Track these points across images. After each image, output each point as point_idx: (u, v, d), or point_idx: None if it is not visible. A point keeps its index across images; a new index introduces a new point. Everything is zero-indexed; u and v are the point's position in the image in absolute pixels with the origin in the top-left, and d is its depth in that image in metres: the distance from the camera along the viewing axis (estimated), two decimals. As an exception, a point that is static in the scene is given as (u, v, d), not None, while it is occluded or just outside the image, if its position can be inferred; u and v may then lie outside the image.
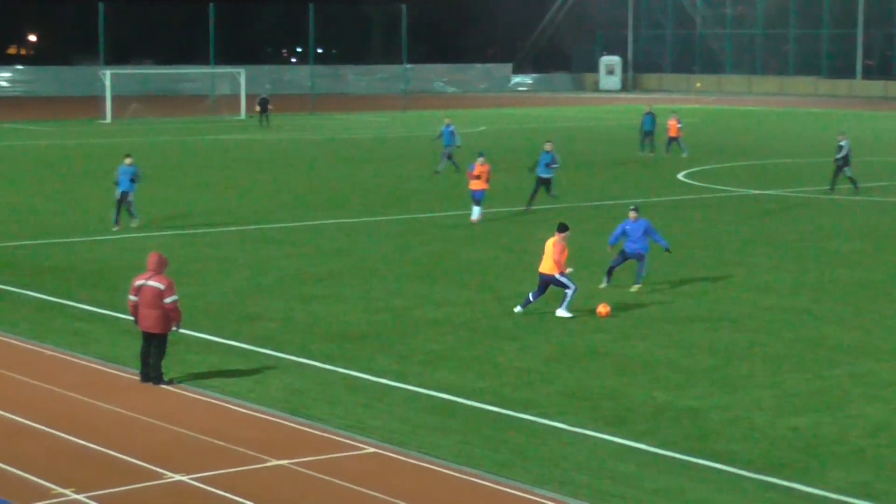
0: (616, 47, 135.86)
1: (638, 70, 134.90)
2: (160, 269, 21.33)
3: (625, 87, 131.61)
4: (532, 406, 20.01)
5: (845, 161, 46.85)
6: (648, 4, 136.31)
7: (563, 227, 26.51)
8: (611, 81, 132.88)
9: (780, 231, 38.16)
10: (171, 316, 21.25)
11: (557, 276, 26.01)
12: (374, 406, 20.08)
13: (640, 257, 28.75)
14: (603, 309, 25.96)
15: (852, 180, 47.17)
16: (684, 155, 59.89)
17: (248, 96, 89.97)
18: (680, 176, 52.99)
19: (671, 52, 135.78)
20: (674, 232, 37.19)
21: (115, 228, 37.08)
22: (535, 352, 23.47)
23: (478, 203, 38.83)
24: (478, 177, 38.82)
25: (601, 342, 24.17)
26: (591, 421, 19.24)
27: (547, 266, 26.11)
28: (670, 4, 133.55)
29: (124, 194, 37.29)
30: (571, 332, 24.99)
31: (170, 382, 21.32)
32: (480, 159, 39.34)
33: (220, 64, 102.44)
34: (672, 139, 61.19)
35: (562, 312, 25.96)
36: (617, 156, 61.62)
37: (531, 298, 26.34)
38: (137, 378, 21.49)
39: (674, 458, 17.60)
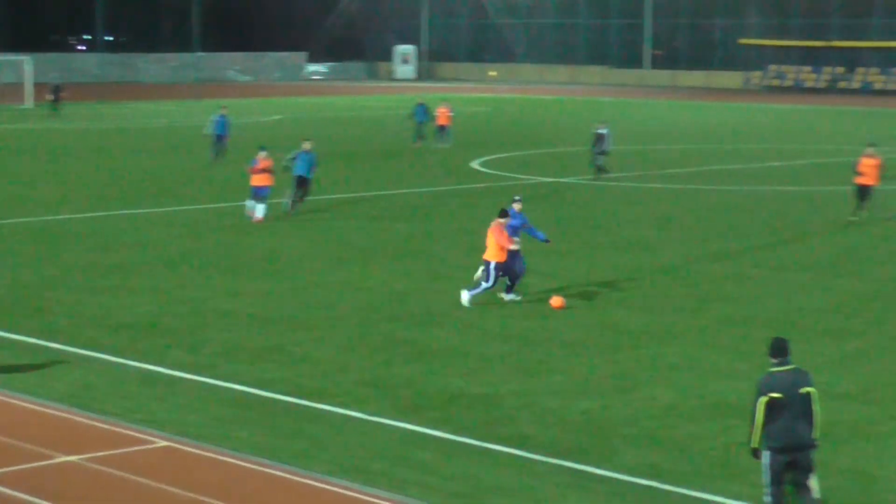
0: (411, 36, 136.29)
1: (432, 59, 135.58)
2: None
3: (420, 76, 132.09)
4: (328, 396, 19.97)
5: (601, 149, 47.52)
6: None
7: (503, 213, 26.36)
8: (405, 70, 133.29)
9: (573, 218, 38.69)
10: None
11: (492, 264, 25.97)
12: (167, 399, 19.84)
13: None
14: (556, 302, 25.65)
15: (601, 168, 47.84)
16: (446, 146, 59.80)
17: (35, 84, 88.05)
18: (473, 164, 53.34)
19: (465, 42, 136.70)
20: (466, 220, 37.49)
21: None
22: (331, 341, 23.42)
23: (261, 200, 36.81)
24: (262, 171, 37.08)
25: (397, 330, 24.22)
26: (388, 409, 19.26)
27: (491, 254, 26.03)
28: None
29: None
30: (367, 321, 24.99)
31: None
32: (263, 153, 37.52)
33: (4, 51, 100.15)
34: (441, 127, 61.02)
35: (465, 298, 26.02)
36: (409, 146, 61.69)
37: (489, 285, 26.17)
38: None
39: (469, 444, 17.72)
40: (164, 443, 17.76)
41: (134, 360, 22.07)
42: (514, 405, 19.57)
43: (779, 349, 14.28)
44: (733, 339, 23.62)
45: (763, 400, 14.01)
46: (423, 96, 69.37)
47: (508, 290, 26.51)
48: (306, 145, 39.00)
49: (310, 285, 28.17)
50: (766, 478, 14.27)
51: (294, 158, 38.42)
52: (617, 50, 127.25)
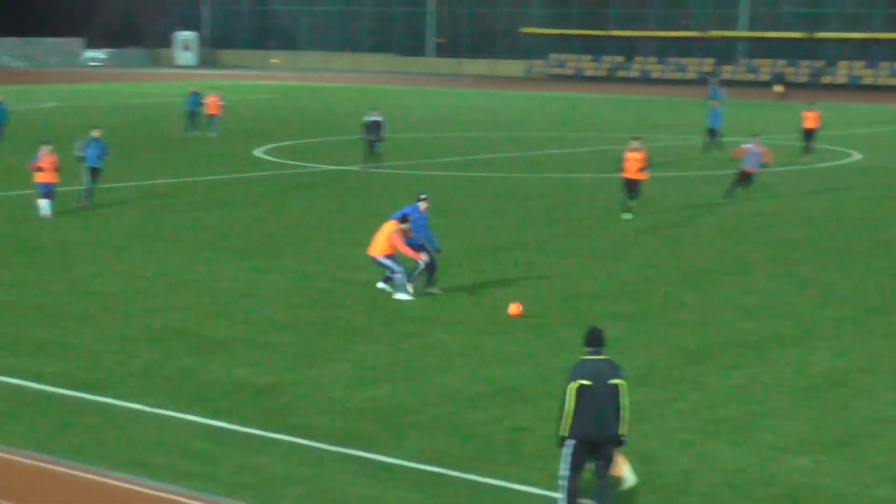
0: (192, 22, 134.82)
1: (214, 46, 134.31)
2: None
3: (201, 64, 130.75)
4: (107, 388, 19.63)
5: (378, 137, 47.59)
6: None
7: (404, 219, 25.94)
8: (186, 57, 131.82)
9: (356, 206, 38.70)
10: None
11: (380, 259, 25.86)
12: (-63, 394, 19.32)
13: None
14: (515, 309, 24.37)
15: (376, 156, 47.89)
16: (212, 135, 59.25)
17: None
18: (257, 152, 53.04)
19: (247, 28, 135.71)
20: (252, 208, 37.29)
21: None
22: (110, 333, 23.03)
23: (47, 196, 35.14)
24: (40, 169, 35.21)
25: (178, 321, 23.93)
26: (170, 401, 19.01)
27: (376, 249, 25.85)
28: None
29: None
30: (148, 310, 24.65)
31: None
32: (46, 148, 35.66)
33: None
34: (211, 116, 60.28)
35: (400, 295, 25.75)
36: (191, 133, 61.02)
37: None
38: None
39: (253, 435, 17.60)
40: (-67, 439, 17.30)
41: None
42: (298, 394, 19.48)
43: (593, 339, 14.37)
44: (516, 326, 23.86)
45: (573, 386, 14.03)
46: (196, 84, 68.70)
47: (386, 280, 26.35)
48: (95, 133, 37.96)
49: (91, 276, 27.68)
50: (564, 465, 14.38)
51: (85, 147, 37.41)
52: (400, 38, 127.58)
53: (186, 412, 18.54)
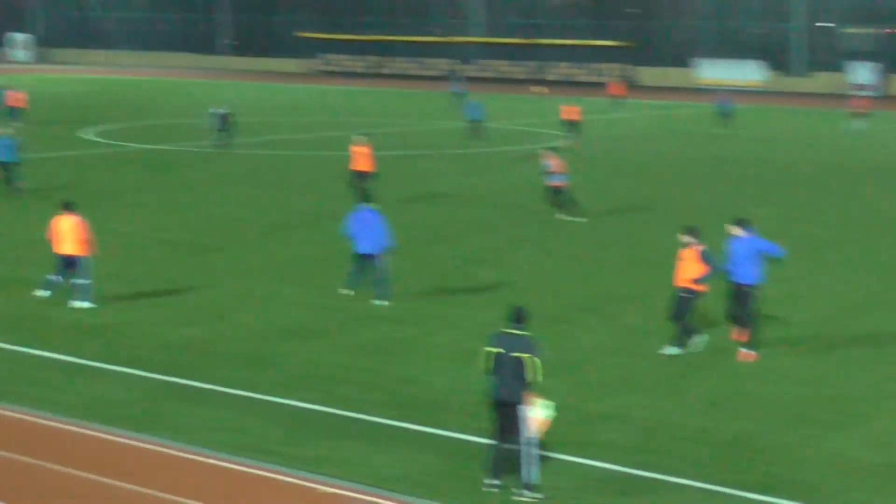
0: (26, 25, 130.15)
1: (43, 45, 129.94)
2: None
3: (33, 60, 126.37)
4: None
5: (224, 125, 46.33)
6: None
7: (68, 206, 21.23)
8: (22, 55, 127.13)
9: (168, 179, 38.18)
10: None
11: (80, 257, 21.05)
12: None
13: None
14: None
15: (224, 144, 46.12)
16: (20, 125, 51.78)
17: None
18: (84, 134, 51.69)
19: (72, 31, 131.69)
20: (86, 183, 36.48)
21: None
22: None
23: None
24: None
25: (25, 274, 23.33)
26: (21, 339, 18.68)
27: (70, 247, 20.87)
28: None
29: None
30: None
31: None
32: None
33: None
34: (13, 110, 54.80)
35: (80, 304, 20.94)
36: (35, 117, 59.01)
37: (54, 279, 21.15)
38: None
39: (90, 366, 17.52)
40: None
41: None
42: (129, 333, 19.32)
43: (515, 317, 13.25)
44: (310, 276, 23.84)
45: (488, 351, 13.13)
46: (8, 79, 65.64)
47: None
48: (5, 130, 34.77)
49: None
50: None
51: None
52: (197, 39, 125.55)
53: (36, 348, 18.25)
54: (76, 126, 54.48)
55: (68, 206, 21.13)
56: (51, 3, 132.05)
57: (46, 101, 68.04)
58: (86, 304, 20.73)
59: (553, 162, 31.39)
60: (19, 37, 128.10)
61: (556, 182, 31.26)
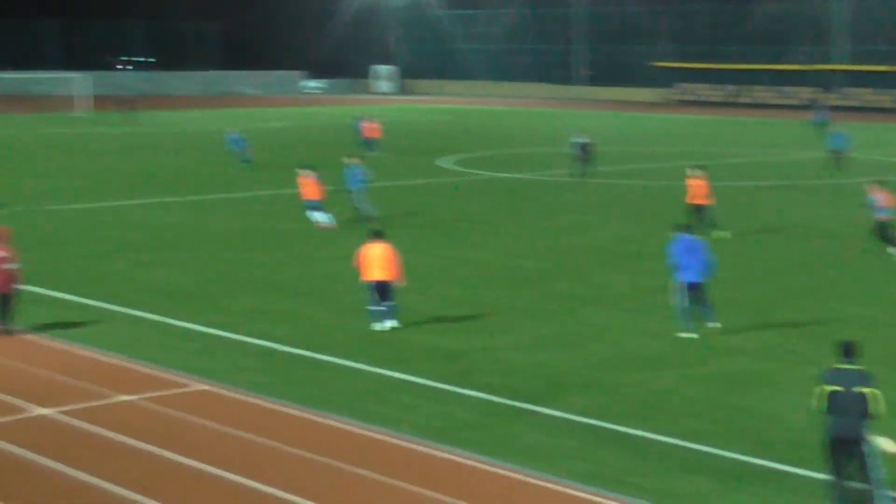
0: (390, 58, 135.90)
1: (406, 76, 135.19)
2: (3, 239, 20.97)
3: (397, 91, 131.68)
4: (335, 350, 20.00)
5: (586, 155, 45.76)
6: (414, 24, 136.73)
7: (377, 234, 21.83)
8: (386, 86, 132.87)
9: (523, 206, 38.72)
10: (13, 279, 20.81)
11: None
12: (204, 352, 19.88)
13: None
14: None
15: (586, 172, 45.65)
16: (377, 154, 54.63)
17: (90, 97, 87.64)
18: (442, 162, 53.25)
19: (433, 63, 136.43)
20: (442, 210, 37.54)
21: None
22: (334, 306, 23.43)
23: (317, 209, 33.18)
24: (310, 186, 33.25)
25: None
26: (381, 361, 19.31)
27: (384, 273, 21.31)
28: (431, 24, 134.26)
29: None
30: (357, 288, 24.96)
31: (15, 332, 20.75)
32: (307, 171, 33.62)
33: (64, 69, 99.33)
34: (371, 139, 56.94)
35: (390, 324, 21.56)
36: (388, 145, 61.37)
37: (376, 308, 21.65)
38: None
39: (446, 390, 17.80)
40: (203, 387, 17.81)
41: (177, 319, 22.09)
42: (482, 359, 19.64)
43: (846, 351, 12.94)
44: (655, 305, 23.63)
45: (824, 389, 12.71)
46: (363, 110, 68.46)
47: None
48: (352, 160, 35.41)
49: (313, 260, 28.21)
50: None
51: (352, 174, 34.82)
52: (555, 69, 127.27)
53: (391, 370, 18.84)
54: (435, 155, 56.20)
55: (378, 234, 21.76)
56: (414, 37, 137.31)
57: (407, 130, 70.76)
58: (392, 324, 21.31)
59: (881, 196, 29.80)
60: (383, 69, 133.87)
61: (883, 216, 29.62)
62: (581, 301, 24.17)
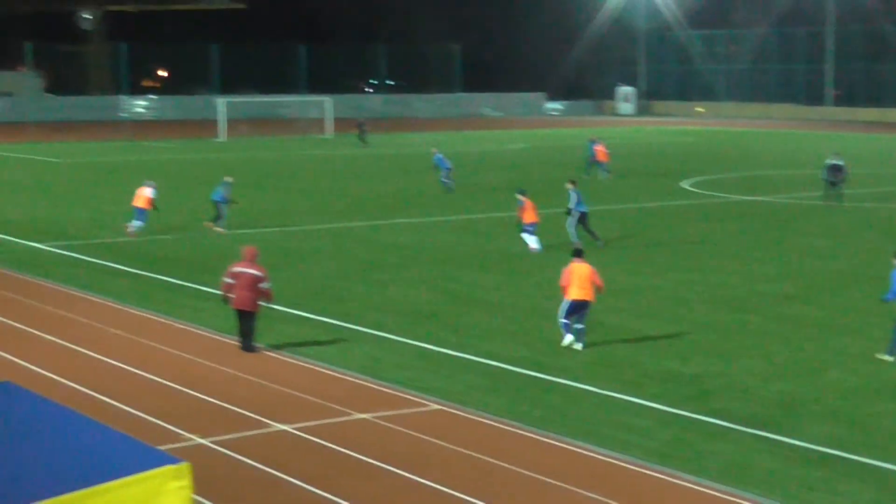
0: (630, 79, 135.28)
1: (648, 98, 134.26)
2: (253, 259, 21.50)
3: (637, 112, 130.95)
4: (566, 372, 19.97)
5: (838, 178, 44.47)
6: (656, 44, 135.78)
7: (577, 253, 22.51)
8: (626, 107, 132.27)
9: (765, 229, 37.89)
10: (265, 297, 21.38)
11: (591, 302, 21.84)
12: (438, 371, 20.10)
13: None
14: None
15: (837, 195, 44.44)
16: (606, 177, 54.68)
17: (334, 119, 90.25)
18: (683, 184, 52.65)
19: (675, 83, 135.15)
20: (680, 233, 37.09)
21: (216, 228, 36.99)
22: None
23: (531, 233, 33.15)
24: (527, 210, 33.29)
25: (623, 320, 24.03)
26: (614, 384, 19.18)
27: (585, 293, 21.63)
28: (674, 43, 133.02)
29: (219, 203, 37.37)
30: (595, 311, 24.85)
31: (258, 349, 21.37)
32: (523, 196, 33.61)
33: (309, 93, 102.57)
34: (598, 163, 56.05)
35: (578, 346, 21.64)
36: (628, 167, 61.02)
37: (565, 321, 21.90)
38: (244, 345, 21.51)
39: (681, 415, 17.53)
40: (436, 406, 18.01)
41: (411, 339, 22.43)
42: (719, 384, 19.28)
43: None
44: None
45: None
46: (594, 132, 68.01)
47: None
48: (569, 185, 34.49)
49: (542, 281, 28.25)
50: None
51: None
52: (802, 89, 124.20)
53: (628, 394, 18.66)
54: (676, 177, 55.56)
55: (579, 254, 22.20)
56: (656, 58, 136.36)
57: (648, 152, 70.12)
58: (578, 346, 21.45)
59: None
60: (625, 90, 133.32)
61: None
62: (823, 327, 23.45)
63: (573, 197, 33.99)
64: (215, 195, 37.67)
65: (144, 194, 36.29)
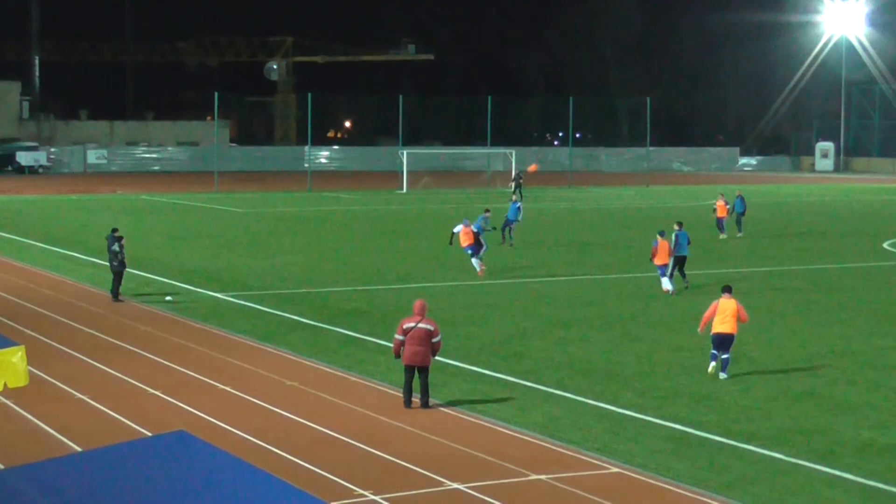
0: (830, 134, 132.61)
1: (849, 154, 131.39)
2: (424, 313, 21.57)
3: (837, 169, 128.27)
4: (753, 438, 19.53)
5: None
6: (859, 97, 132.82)
7: (727, 289, 24.41)
8: (825, 164, 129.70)
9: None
10: (436, 351, 21.48)
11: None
12: (618, 433, 19.88)
13: None
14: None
15: None
16: (723, 236, 53.10)
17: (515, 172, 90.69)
18: (885, 245, 51.26)
19: (878, 139, 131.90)
20: (882, 295, 36.07)
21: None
22: (756, 392, 22.91)
23: (664, 275, 35.48)
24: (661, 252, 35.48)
25: (815, 385, 23.47)
26: (804, 453, 18.67)
27: (728, 327, 23.68)
28: (878, 97, 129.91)
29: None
30: (787, 375, 24.33)
31: (430, 406, 21.43)
32: (660, 237, 35.71)
33: (494, 145, 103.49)
34: (720, 219, 54.27)
35: (723, 375, 23.76)
36: (829, 228, 59.75)
37: (715, 353, 24.05)
38: (418, 402, 21.57)
39: (878, 488, 16.95)
40: (616, 469, 17.80)
41: (591, 398, 22.24)
42: (917, 455, 18.60)
43: None
44: None
45: None
46: (741, 188, 66.69)
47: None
48: (675, 226, 37.00)
49: (742, 343, 27.73)
50: None
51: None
52: None
53: (819, 464, 18.14)
54: (878, 237, 54.18)
55: (728, 290, 24.42)
56: (859, 112, 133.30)
57: (847, 210, 68.45)
58: (723, 376, 23.66)
59: None
60: (825, 145, 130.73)
61: None
62: None
63: (674, 238, 36.28)
64: (475, 226, 40.00)
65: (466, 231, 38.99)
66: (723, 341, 23.69)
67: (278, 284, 37.41)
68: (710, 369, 23.89)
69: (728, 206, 55.01)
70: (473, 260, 39.02)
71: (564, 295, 35.61)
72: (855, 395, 22.59)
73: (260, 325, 30.17)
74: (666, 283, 35.30)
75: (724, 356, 23.69)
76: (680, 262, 36.26)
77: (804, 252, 48.27)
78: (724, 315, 23.69)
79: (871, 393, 22.90)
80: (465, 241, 39.19)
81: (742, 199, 55.98)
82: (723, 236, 53.21)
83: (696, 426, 20.23)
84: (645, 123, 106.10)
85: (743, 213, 55.41)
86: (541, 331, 29.40)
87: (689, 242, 36.82)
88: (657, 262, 35.59)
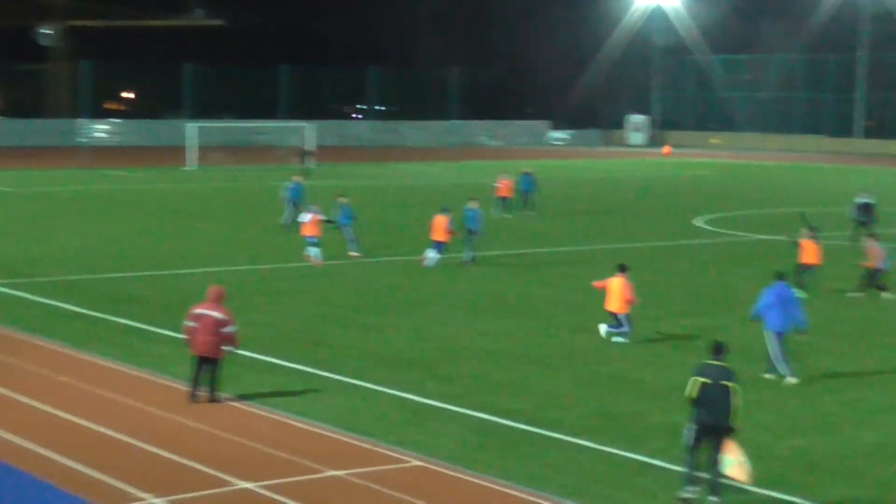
0: (642, 107, 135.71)
1: (661, 127, 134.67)
2: (219, 301, 21.35)
3: (649, 143, 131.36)
4: (562, 426, 19.94)
5: (868, 217, 45.16)
6: (671, 69, 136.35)
7: (623, 268, 27.05)
8: (637, 137, 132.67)
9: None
10: (230, 343, 21.29)
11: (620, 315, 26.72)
12: (420, 424, 20.07)
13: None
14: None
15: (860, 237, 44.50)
16: (507, 216, 53.47)
17: (317, 147, 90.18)
18: (696, 222, 52.75)
19: (691, 112, 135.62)
20: (693, 274, 37.11)
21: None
22: (564, 376, 23.37)
23: (439, 251, 37.99)
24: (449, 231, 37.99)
25: (624, 370, 24.06)
26: (614, 440, 19.16)
27: (613, 306, 26.72)
28: (691, 69, 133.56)
29: (343, 227, 40.16)
30: (599, 360, 24.89)
31: (222, 400, 21.29)
32: (445, 213, 38.24)
33: (289, 118, 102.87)
34: (503, 199, 54.65)
35: (603, 329, 26.97)
36: (635, 204, 61.23)
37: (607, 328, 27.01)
38: (205, 395, 21.38)
39: (681, 472, 17.48)
40: (417, 462, 17.97)
41: (392, 388, 22.40)
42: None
43: (716, 349, 16.75)
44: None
45: (695, 380, 16.34)
46: (530, 165, 67.99)
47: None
48: (473, 204, 39.84)
49: (549, 327, 28.19)
50: (685, 443, 16.43)
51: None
52: (830, 120, 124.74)
53: (628, 451, 18.63)
54: (689, 214, 55.70)
55: (623, 268, 26.83)
56: (671, 85, 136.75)
57: (659, 186, 70.21)
58: (618, 339, 26.43)
59: None
60: (636, 119, 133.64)
61: None
62: (852, 381, 23.45)
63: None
64: (342, 219, 40.06)
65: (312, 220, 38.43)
66: (612, 315, 26.61)
67: (51, 271, 36.53)
68: (603, 330, 26.79)
69: (513, 185, 55.45)
70: (311, 250, 38.34)
71: (367, 278, 35.69)
72: (664, 380, 23.23)
73: (30, 315, 29.43)
74: (429, 255, 37.68)
75: (618, 327, 26.53)
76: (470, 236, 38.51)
77: (616, 229, 49.29)
78: (610, 293, 26.60)
79: (682, 377, 23.56)
80: (310, 230, 38.30)
81: (528, 175, 56.65)
82: (506, 216, 53.41)
83: (502, 415, 20.56)
84: (451, 96, 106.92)
85: (530, 191, 56.09)
86: (340, 317, 29.43)
87: (478, 220, 38.97)
88: (434, 237, 37.86)
